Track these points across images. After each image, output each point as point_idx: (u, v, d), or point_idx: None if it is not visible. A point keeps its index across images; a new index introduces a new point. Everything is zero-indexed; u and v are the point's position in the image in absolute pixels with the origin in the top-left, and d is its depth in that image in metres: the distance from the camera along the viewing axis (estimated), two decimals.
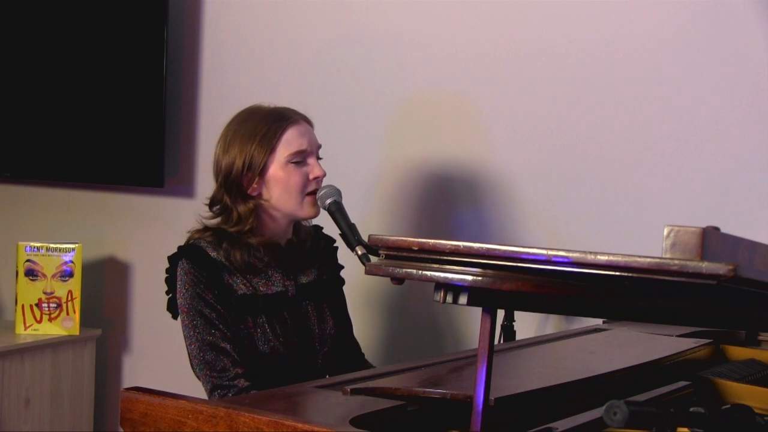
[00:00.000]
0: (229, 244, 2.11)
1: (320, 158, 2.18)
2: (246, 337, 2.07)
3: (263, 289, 2.12)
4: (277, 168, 2.11)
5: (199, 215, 2.17)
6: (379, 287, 2.83)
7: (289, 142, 2.11)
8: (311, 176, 2.13)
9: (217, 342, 2.03)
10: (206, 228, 2.15)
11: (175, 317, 2.13)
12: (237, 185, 2.11)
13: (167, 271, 2.12)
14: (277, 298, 2.13)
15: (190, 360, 2.08)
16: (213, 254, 2.09)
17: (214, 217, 2.16)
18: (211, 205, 2.17)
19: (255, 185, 2.12)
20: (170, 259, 2.12)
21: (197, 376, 2.09)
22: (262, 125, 2.12)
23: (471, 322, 2.71)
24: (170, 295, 2.13)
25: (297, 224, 2.23)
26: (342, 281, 2.35)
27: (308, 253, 2.24)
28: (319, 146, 2.18)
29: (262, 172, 2.11)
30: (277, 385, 1.96)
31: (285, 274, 2.17)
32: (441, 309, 2.73)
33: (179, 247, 2.13)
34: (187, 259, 2.08)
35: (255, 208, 2.12)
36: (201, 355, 2.03)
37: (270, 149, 2.10)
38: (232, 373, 2.01)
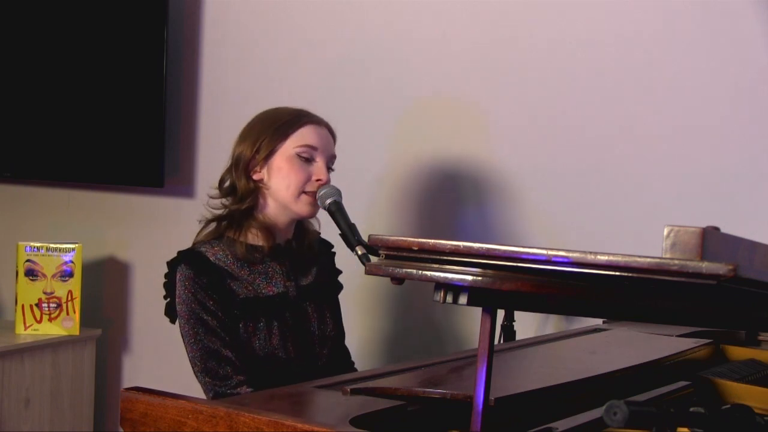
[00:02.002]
0: (228, 241, 2.12)
1: (332, 169, 2.19)
2: (246, 340, 2.07)
3: (265, 291, 2.12)
4: (282, 157, 2.13)
5: (207, 195, 2.21)
6: (379, 287, 2.83)
7: (303, 135, 2.14)
8: (314, 177, 2.13)
9: (218, 350, 2.03)
10: (208, 221, 2.18)
11: (173, 321, 2.13)
12: (245, 166, 2.15)
13: (166, 276, 2.12)
14: (279, 300, 2.13)
15: (192, 366, 2.08)
16: (213, 259, 2.09)
17: (220, 196, 2.19)
18: (219, 184, 2.21)
19: (258, 169, 2.14)
20: (169, 264, 2.11)
21: (199, 382, 2.08)
22: (284, 117, 2.16)
23: (471, 322, 2.71)
24: (168, 299, 2.12)
25: (305, 229, 2.25)
26: (340, 287, 2.35)
27: (308, 256, 2.25)
28: (333, 156, 2.20)
29: (268, 157, 2.13)
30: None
31: (285, 274, 2.17)
32: (441, 309, 2.73)
33: (179, 252, 2.12)
34: (187, 264, 2.07)
35: (254, 190, 2.15)
36: (202, 363, 2.03)
37: (283, 137, 2.13)
38: (235, 380, 2.01)
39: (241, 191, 2.14)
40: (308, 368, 2.14)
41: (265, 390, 1.95)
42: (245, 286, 2.10)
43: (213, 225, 2.18)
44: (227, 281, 2.08)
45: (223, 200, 2.19)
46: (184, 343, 2.08)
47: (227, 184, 2.19)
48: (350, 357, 2.35)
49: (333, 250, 2.34)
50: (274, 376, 2.06)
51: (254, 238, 2.15)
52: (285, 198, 2.13)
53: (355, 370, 2.34)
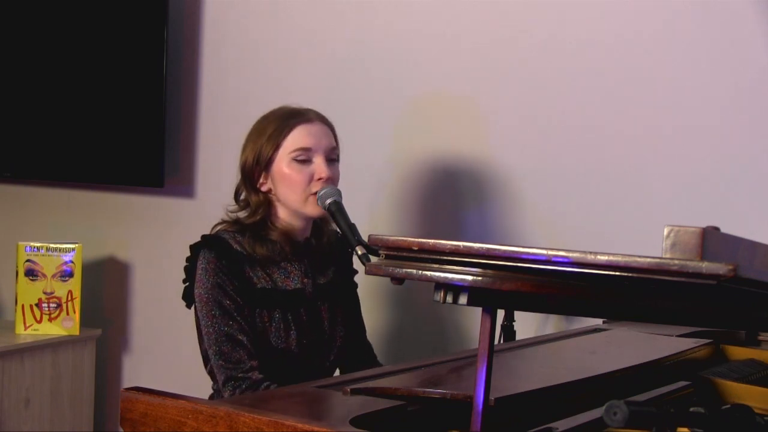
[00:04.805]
0: (251, 237, 2.14)
1: (335, 160, 2.19)
2: (261, 331, 2.09)
3: (282, 285, 2.14)
4: (281, 164, 2.14)
5: (227, 205, 2.23)
6: (380, 287, 2.83)
7: (295, 139, 2.14)
8: (315, 176, 2.13)
9: (234, 333, 2.04)
10: (228, 221, 2.20)
11: (189, 306, 2.15)
12: (250, 178, 2.17)
13: (188, 259, 2.14)
14: (295, 295, 2.15)
15: (204, 350, 2.09)
16: (235, 246, 2.12)
17: (238, 210, 2.22)
18: (235, 197, 2.24)
19: (263, 180, 2.17)
20: (192, 247, 2.14)
21: (209, 366, 2.10)
22: (275, 122, 2.17)
23: (471, 322, 2.71)
24: (187, 283, 2.14)
25: (322, 226, 2.26)
26: (355, 285, 2.37)
27: (327, 255, 2.26)
28: (333, 147, 2.19)
29: (268, 166, 2.15)
30: (286, 382, 1.98)
31: (303, 272, 2.19)
32: (441, 309, 2.73)
33: (203, 236, 2.15)
34: (210, 248, 2.10)
35: (265, 201, 2.17)
36: (217, 345, 2.04)
37: (276, 145, 2.14)
38: (248, 365, 2.02)
39: (254, 206, 2.17)
40: (317, 366, 2.16)
41: (265, 390, 1.96)
42: (263, 278, 2.13)
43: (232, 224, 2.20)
44: (246, 269, 2.11)
45: (239, 213, 2.20)
46: (199, 326, 2.10)
47: (242, 196, 2.22)
48: (372, 351, 2.38)
49: (350, 249, 2.35)
50: (283, 370, 2.08)
51: (274, 244, 2.16)
52: (294, 203, 2.15)
53: (379, 363, 2.36)
